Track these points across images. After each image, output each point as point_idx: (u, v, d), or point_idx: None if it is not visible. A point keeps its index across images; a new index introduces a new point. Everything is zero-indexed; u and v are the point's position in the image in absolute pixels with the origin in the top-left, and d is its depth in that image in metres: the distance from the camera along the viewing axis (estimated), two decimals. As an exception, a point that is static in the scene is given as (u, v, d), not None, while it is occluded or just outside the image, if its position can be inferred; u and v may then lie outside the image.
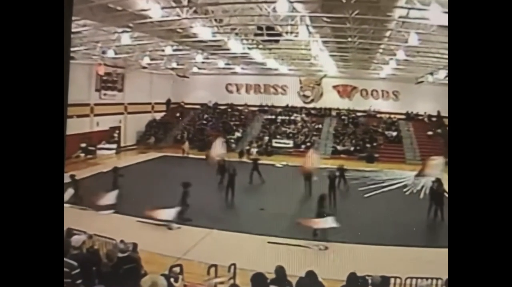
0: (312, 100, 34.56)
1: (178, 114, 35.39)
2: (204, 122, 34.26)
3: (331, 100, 33.49)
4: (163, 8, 13.47)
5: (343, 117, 32.92)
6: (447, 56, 18.41)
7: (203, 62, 26.27)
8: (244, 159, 25.35)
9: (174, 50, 21.76)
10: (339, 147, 29.62)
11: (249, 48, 20.79)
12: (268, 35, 17.52)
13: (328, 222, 12.76)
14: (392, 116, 32.34)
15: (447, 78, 23.57)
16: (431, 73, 24.44)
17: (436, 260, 9.30)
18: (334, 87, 33.89)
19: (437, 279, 8.39)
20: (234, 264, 9.33)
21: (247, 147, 28.86)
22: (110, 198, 15.27)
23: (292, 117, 33.48)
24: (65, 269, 5.97)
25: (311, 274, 7.11)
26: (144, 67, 28.52)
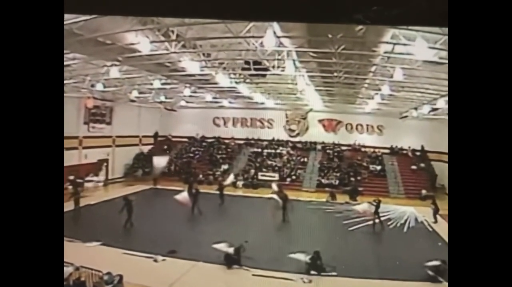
0: (298, 134, 34.86)
1: (165, 147, 35.40)
2: (191, 155, 34.33)
3: (316, 134, 33.79)
4: (152, 42, 13.56)
5: (328, 151, 33.17)
6: (431, 91, 18.79)
7: (190, 96, 26.43)
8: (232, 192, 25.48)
9: (163, 84, 21.86)
10: (323, 181, 29.77)
11: (236, 82, 20.95)
12: (255, 69, 17.67)
13: None
14: (377, 150, 32.69)
15: (431, 113, 23.94)
16: (415, 108, 24.74)
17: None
18: (320, 121, 34.27)
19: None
20: (219, 296, 9.38)
21: (234, 180, 28.85)
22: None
23: (278, 151, 33.67)
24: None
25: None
26: (133, 101, 28.54)
